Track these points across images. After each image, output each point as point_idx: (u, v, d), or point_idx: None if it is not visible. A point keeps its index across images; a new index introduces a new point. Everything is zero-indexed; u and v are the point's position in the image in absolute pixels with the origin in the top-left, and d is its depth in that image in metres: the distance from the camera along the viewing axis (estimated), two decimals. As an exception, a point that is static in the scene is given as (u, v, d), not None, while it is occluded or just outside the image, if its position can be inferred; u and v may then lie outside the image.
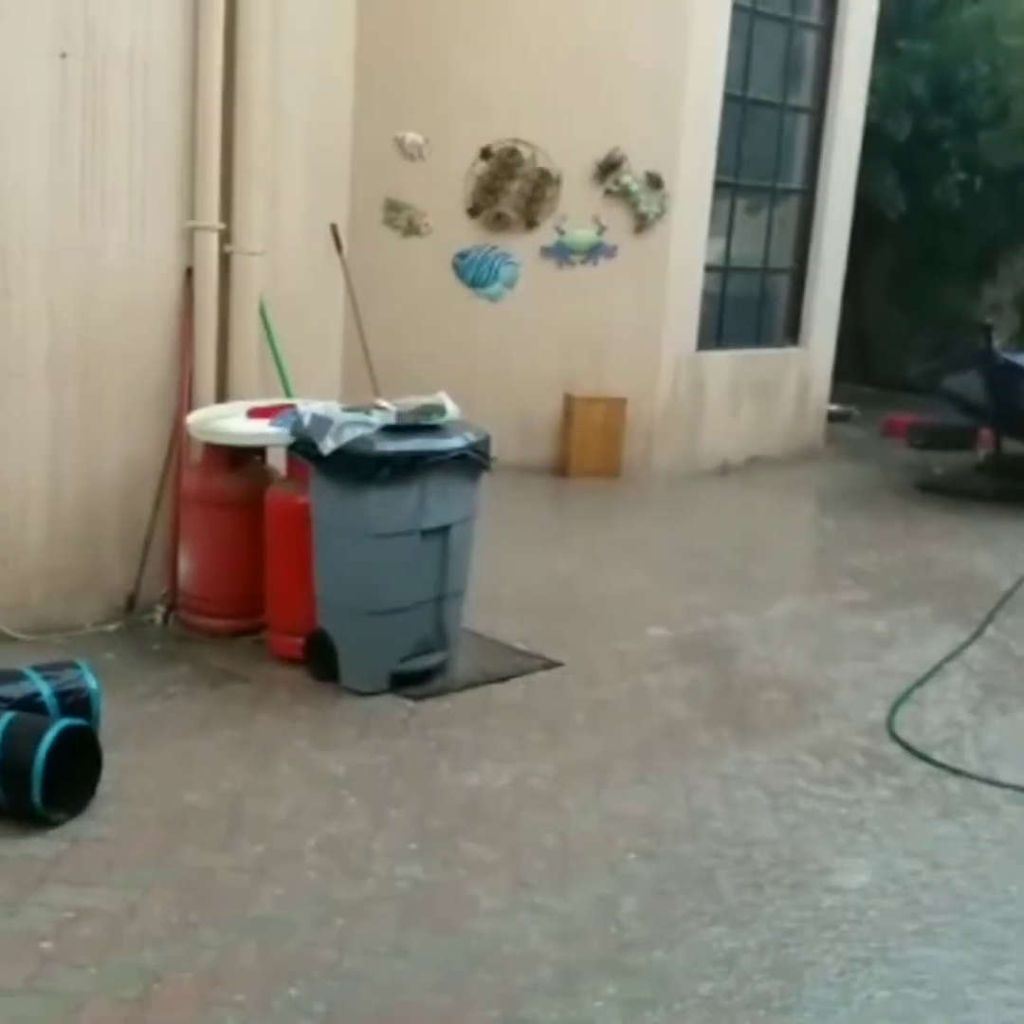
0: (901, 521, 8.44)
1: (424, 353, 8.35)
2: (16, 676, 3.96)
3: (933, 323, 12.98)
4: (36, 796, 3.51)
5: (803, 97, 10.25)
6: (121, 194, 5.10)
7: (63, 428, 5.10)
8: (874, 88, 10.83)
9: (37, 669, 4.01)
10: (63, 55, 4.86)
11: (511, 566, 6.39)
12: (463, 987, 3.01)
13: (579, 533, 7.87)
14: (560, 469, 9.11)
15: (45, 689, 3.90)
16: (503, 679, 5.01)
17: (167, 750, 4.17)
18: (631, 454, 9.15)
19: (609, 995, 3.01)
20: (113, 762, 3.81)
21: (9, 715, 3.67)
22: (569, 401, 9.08)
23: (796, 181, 10.39)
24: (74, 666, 4.07)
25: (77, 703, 3.92)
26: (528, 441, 8.88)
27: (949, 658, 5.58)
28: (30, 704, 3.84)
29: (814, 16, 10.07)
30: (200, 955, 3.06)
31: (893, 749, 4.59)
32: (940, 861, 3.78)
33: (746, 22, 9.38)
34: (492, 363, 8.80)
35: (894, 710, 4.93)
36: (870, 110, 10.78)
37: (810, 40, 10.15)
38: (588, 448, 9.03)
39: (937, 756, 4.52)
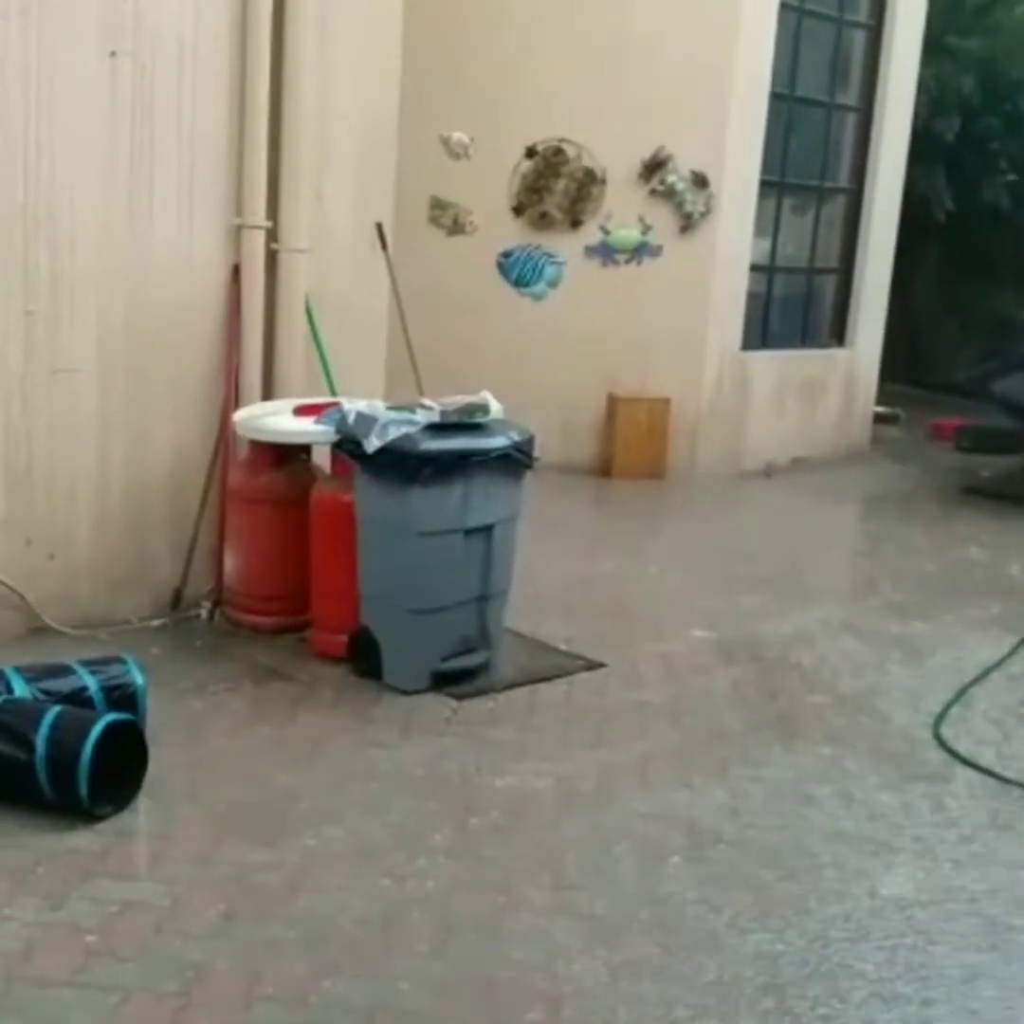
0: (947, 525, 8.36)
1: (468, 352, 8.34)
2: (64, 670, 4.00)
3: (981, 325, 12.84)
4: (83, 790, 3.54)
5: (851, 96, 10.17)
6: (169, 192, 5.13)
7: (111, 424, 5.14)
8: (922, 87, 10.72)
9: (84, 663, 4.05)
10: (112, 54, 4.90)
11: (554, 566, 6.37)
12: (503, 988, 3.01)
13: (622, 534, 7.84)
14: (603, 469, 9.08)
15: (92, 683, 3.94)
16: (546, 679, 5.00)
17: (211, 746, 4.19)
18: (675, 455, 9.11)
19: (650, 998, 3.00)
20: (158, 757, 3.83)
21: (57, 709, 3.70)
22: (612, 401, 9.05)
23: (843, 180, 10.31)
24: (121, 661, 4.10)
25: (123, 698, 3.95)
26: (571, 441, 8.86)
27: (996, 664, 5.51)
28: (77, 698, 3.87)
29: (862, 15, 9.99)
30: (242, 950, 3.07)
31: (939, 755, 4.54)
32: (986, 869, 3.73)
33: (794, 21, 9.31)
34: (535, 362, 8.78)
35: (940, 716, 4.88)
36: (918, 109, 10.66)
37: (858, 39, 10.07)
38: (631, 448, 9.00)
39: (983, 762, 4.47)
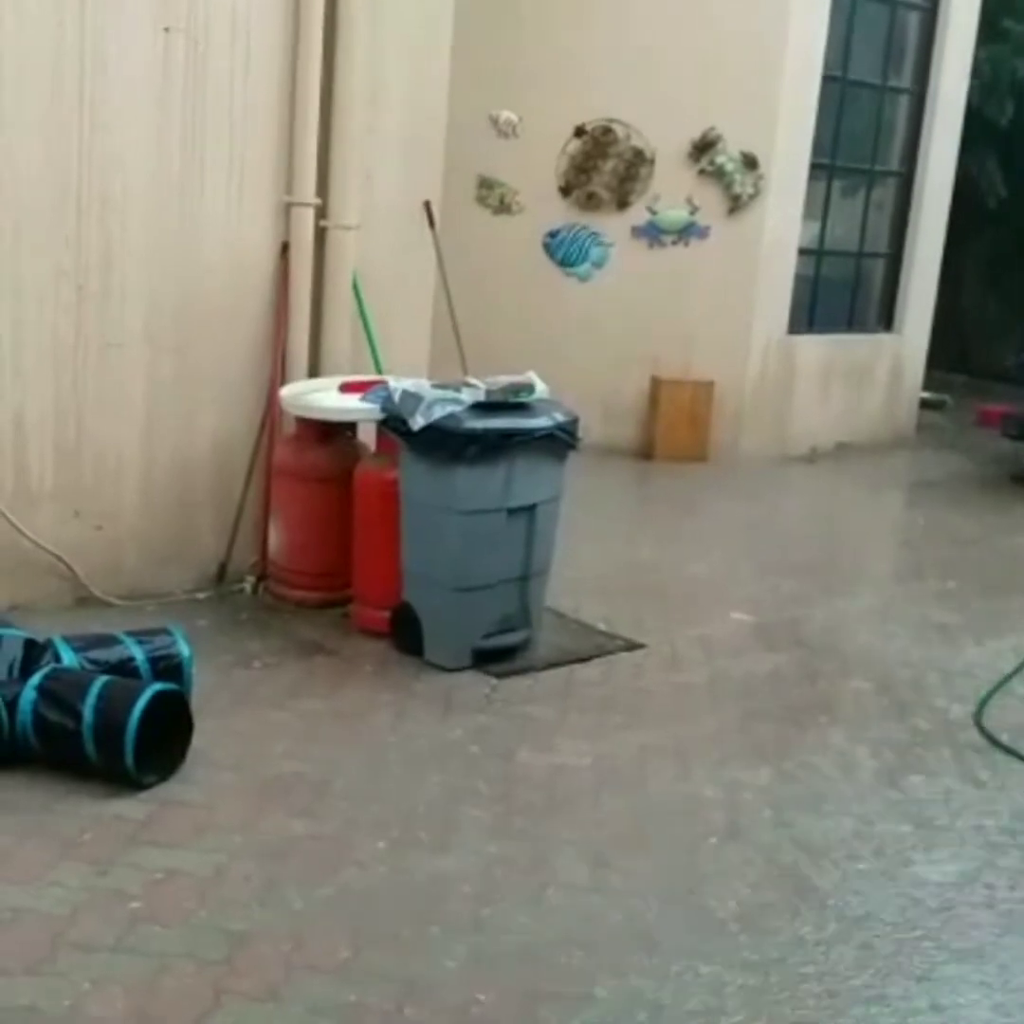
0: (992, 513, 8.29)
1: (513, 331, 8.36)
2: (111, 640, 4.05)
3: (1031, 312, 12.71)
4: (129, 758, 3.59)
5: (904, 79, 10.06)
6: (220, 168, 5.16)
7: (159, 398, 5.19)
8: (976, 71, 10.59)
9: (131, 634, 4.10)
10: (166, 29, 4.92)
11: (595, 547, 6.38)
12: (543, 963, 3.03)
13: (664, 516, 7.84)
14: (645, 452, 9.07)
15: (139, 654, 3.99)
16: (585, 659, 5.02)
17: (255, 718, 4.24)
18: (718, 438, 9.08)
19: (685, 979, 3.02)
20: (203, 728, 3.87)
21: (104, 679, 3.75)
22: (656, 383, 9.03)
23: (894, 164, 10.21)
24: (167, 632, 4.15)
25: (169, 668, 4.00)
26: (613, 422, 8.84)
27: (1039, 653, 5.48)
28: (124, 668, 3.92)
29: (917, -4, 9.89)
30: (284, 920, 3.11)
31: (980, 742, 4.53)
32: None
33: (848, 2, 9.22)
34: (579, 343, 8.77)
35: (982, 703, 4.86)
36: (971, 93, 10.55)
37: (912, 21, 9.95)
38: (674, 431, 8.98)
39: (1025, 751, 4.46)
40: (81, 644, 4.00)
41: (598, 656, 5.07)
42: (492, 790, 3.88)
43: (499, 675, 4.75)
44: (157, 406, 5.19)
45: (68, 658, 3.91)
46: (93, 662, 3.93)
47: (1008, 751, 4.45)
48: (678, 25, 8.57)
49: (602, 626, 5.39)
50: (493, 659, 4.82)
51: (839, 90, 9.40)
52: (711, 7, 8.59)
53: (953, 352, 12.72)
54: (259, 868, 3.33)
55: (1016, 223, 12.55)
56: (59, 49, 4.69)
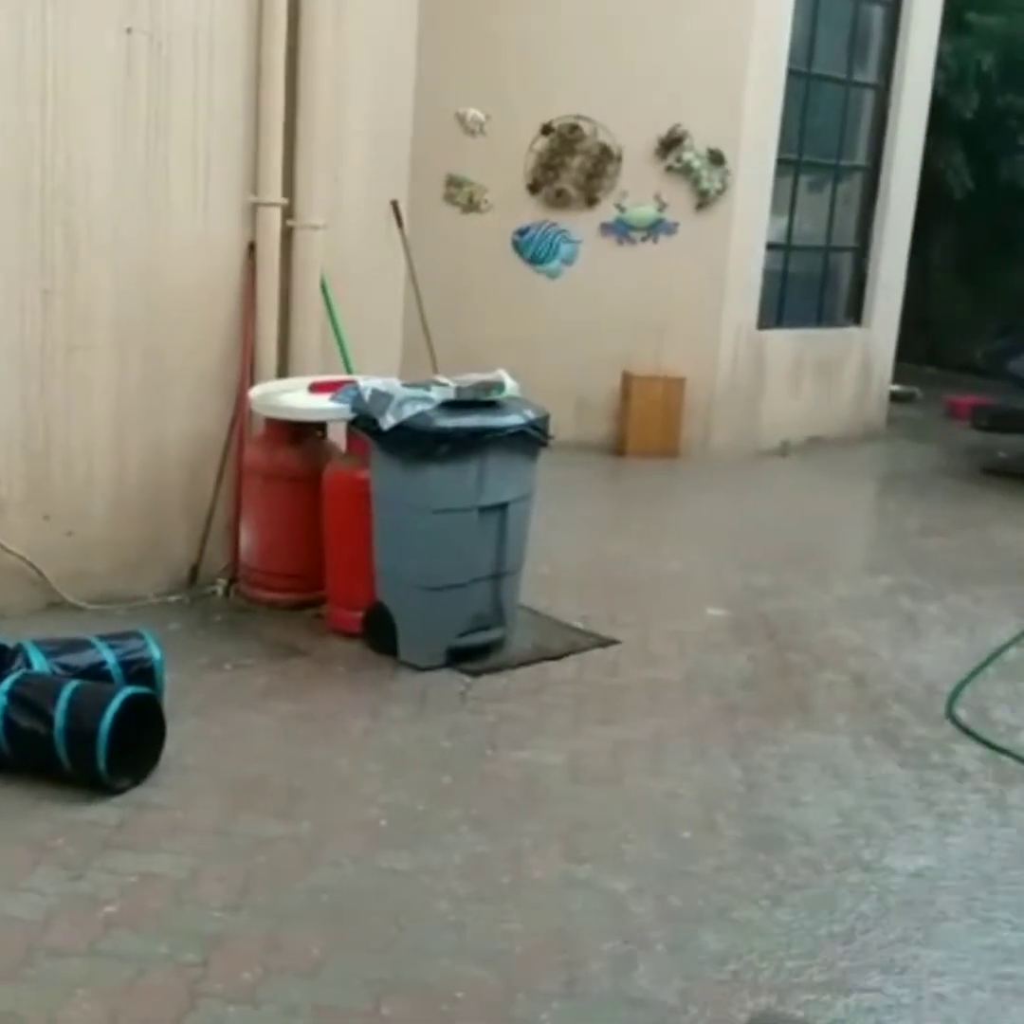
0: (963, 504, 8.34)
1: (483, 329, 8.35)
2: (82, 645, 4.03)
3: (998, 304, 12.76)
4: (101, 763, 3.57)
5: (869, 73, 10.10)
6: (185, 169, 5.14)
7: (128, 400, 5.16)
8: (941, 64, 10.66)
9: (102, 638, 4.08)
10: (128, 30, 4.89)
11: (568, 544, 6.39)
12: (518, 961, 3.03)
13: (637, 512, 7.85)
14: (617, 448, 9.08)
15: (110, 658, 3.97)
16: (559, 656, 5.02)
17: (228, 721, 4.22)
18: (690, 433, 9.10)
19: (663, 972, 3.02)
20: (175, 731, 3.86)
21: (75, 683, 3.73)
22: (627, 379, 9.05)
23: (860, 158, 10.26)
24: (138, 636, 4.13)
25: (141, 672, 3.99)
26: (585, 419, 8.85)
27: (1011, 643, 5.51)
28: (96, 672, 3.90)
29: (881, -9, 9.94)
30: (259, 922, 3.10)
31: (953, 733, 4.55)
32: (998, 846, 3.75)
33: (811, -3, 9.27)
34: (550, 340, 8.78)
35: (955, 694, 4.89)
36: (937, 86, 10.61)
37: (876, 15, 10.00)
38: (646, 427, 8.99)
39: (997, 741, 4.47)
40: (52, 649, 3.97)
41: (572, 653, 5.07)
42: (467, 788, 3.87)
43: (473, 673, 4.75)
44: (126, 408, 5.16)
45: (39, 663, 3.89)
46: (64, 667, 3.91)
47: (981, 741, 4.48)
48: (644, 22, 8.58)
49: (576, 623, 5.40)
50: (467, 658, 4.82)
51: (804, 85, 9.43)
52: (677, 4, 8.60)
53: (922, 345, 12.80)
54: (233, 870, 3.32)
55: (983, 215, 12.64)
56: (21, 49, 4.65)
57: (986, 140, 12.09)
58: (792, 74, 9.14)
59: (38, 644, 3.98)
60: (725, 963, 3.07)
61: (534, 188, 8.94)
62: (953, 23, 10.94)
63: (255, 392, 5.26)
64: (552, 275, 9.04)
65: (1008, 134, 12.17)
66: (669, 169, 8.88)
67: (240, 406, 5.38)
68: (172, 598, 5.32)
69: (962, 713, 4.71)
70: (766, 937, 3.19)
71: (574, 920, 3.22)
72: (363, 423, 4.75)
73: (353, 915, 3.16)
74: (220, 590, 5.41)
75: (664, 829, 3.71)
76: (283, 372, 5.52)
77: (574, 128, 8.82)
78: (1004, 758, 4.36)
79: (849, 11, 9.77)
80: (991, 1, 12.15)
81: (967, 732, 4.55)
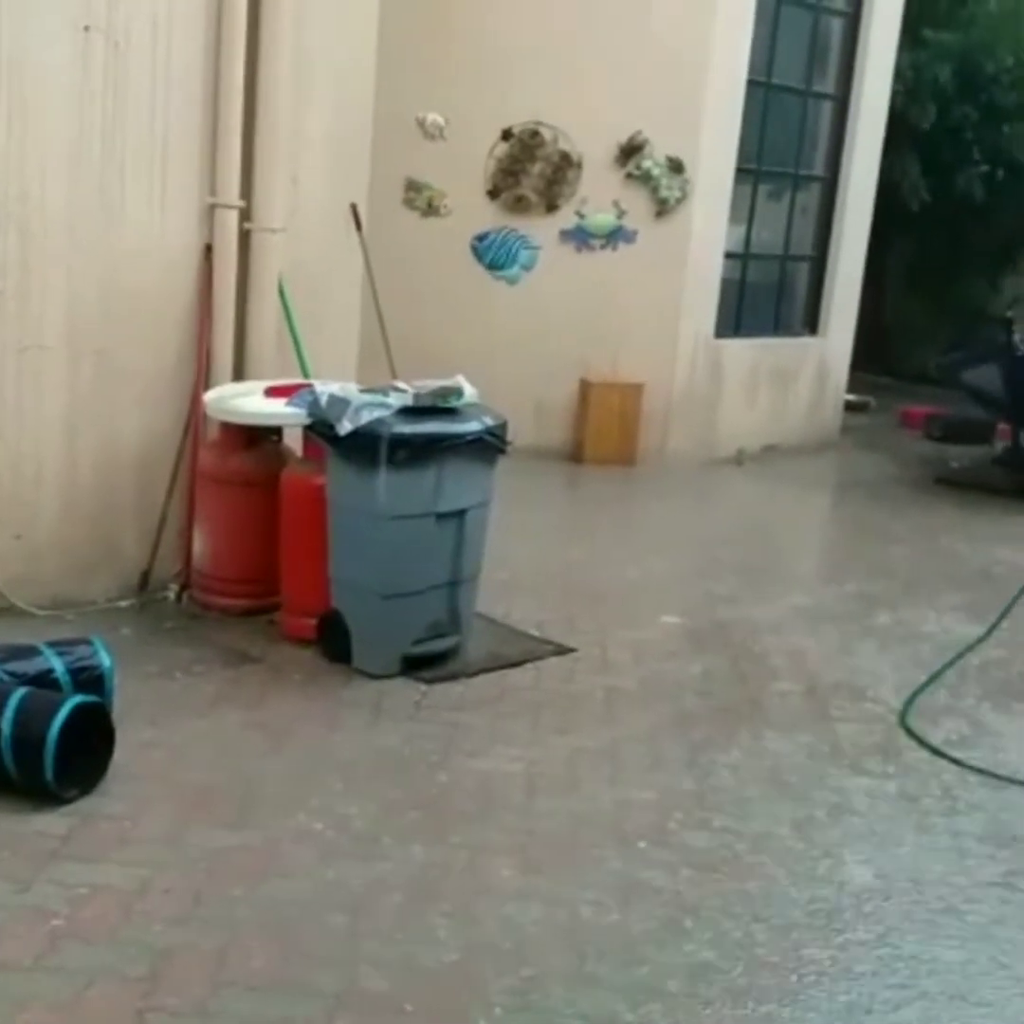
0: (917, 513, 8.40)
1: (441, 334, 8.32)
2: (30, 651, 3.96)
3: (953, 315, 12.90)
4: (49, 772, 3.51)
5: (827, 84, 10.17)
6: (141, 169, 5.08)
7: (80, 403, 5.09)
8: (899, 76, 10.74)
9: (51, 645, 4.01)
10: (86, 28, 4.83)
11: (525, 551, 6.37)
12: (473, 971, 3.01)
13: (594, 519, 7.85)
14: (575, 455, 9.07)
15: (59, 665, 3.90)
16: (516, 664, 5.00)
17: (179, 729, 4.16)
18: (647, 441, 9.11)
19: (616, 984, 3.01)
20: (125, 740, 3.80)
21: (22, 691, 3.67)
22: (585, 386, 9.04)
23: (818, 168, 10.32)
24: (88, 643, 4.07)
25: (90, 680, 3.92)
26: (543, 425, 8.84)
27: (965, 652, 5.54)
28: (44, 680, 3.83)
29: (840, 2, 9.99)
30: (210, 934, 3.06)
31: (907, 743, 4.57)
32: (950, 857, 3.76)
33: (772, 7, 9.29)
34: (509, 346, 8.76)
35: (908, 703, 4.91)
36: (895, 98, 10.70)
37: (836, 26, 10.07)
38: (604, 434, 8.99)
39: (951, 751, 4.49)
40: (0, 656, 3.91)
41: (529, 661, 5.05)
42: (423, 797, 3.84)
43: (429, 681, 4.72)
44: (78, 411, 5.09)
45: (-14, 670, 3.82)
46: (11, 674, 3.83)
47: (934, 751, 4.50)
48: (604, 29, 8.58)
49: (533, 631, 5.38)
50: (423, 666, 4.79)
51: (764, 95, 9.47)
52: (638, 11, 8.61)
53: (877, 354, 12.90)
54: (184, 881, 3.27)
55: (939, 226, 12.74)
56: (-26, 47, 4.60)
57: (942, 152, 12.20)
58: (752, 84, 9.18)
59: (-14, 650, 3.91)
60: (684, 977, 3.06)
61: (494, 194, 8.92)
62: (911, 37, 11.03)
63: (210, 395, 5.21)
64: (511, 281, 9.03)
65: (964, 146, 12.29)
66: (629, 177, 8.89)
67: (194, 409, 5.32)
68: (123, 603, 5.25)
69: (916, 722, 4.73)
70: (721, 950, 3.18)
71: (528, 932, 3.19)
72: (320, 428, 4.71)
73: (306, 927, 3.13)
74: (172, 595, 5.35)
75: (620, 839, 3.70)
76: (239, 375, 5.47)
77: (534, 134, 8.81)
78: (957, 767, 4.37)
79: (809, 23, 9.83)
80: (947, 17, 12.28)
81: (921, 741, 4.56)
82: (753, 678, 5.12)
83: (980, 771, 4.36)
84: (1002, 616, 5.98)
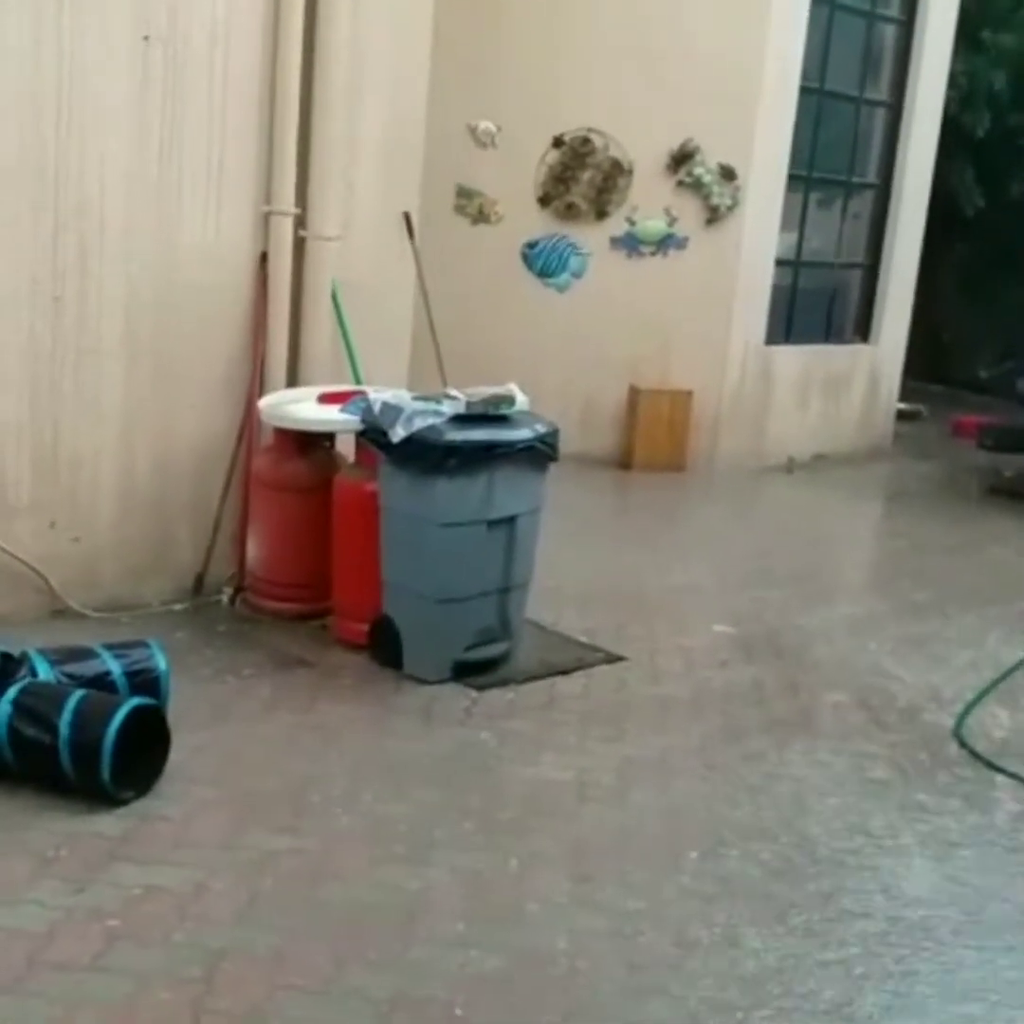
0: (969, 523, 8.33)
1: (492, 342, 8.34)
2: (87, 653, 4.01)
3: (1007, 323, 12.76)
4: (105, 774, 3.55)
5: (881, 90, 10.11)
6: (199, 177, 5.13)
7: (136, 407, 5.15)
8: (954, 82, 10.65)
9: (108, 647, 4.06)
10: (145, 38, 4.89)
11: (575, 558, 6.37)
12: (525, 978, 3.01)
13: (642, 527, 7.83)
14: (624, 461, 9.06)
15: (115, 668, 3.95)
16: (565, 672, 5.00)
17: (233, 732, 4.20)
18: (696, 448, 9.09)
19: (671, 992, 3.00)
20: (180, 742, 3.84)
21: (80, 693, 3.71)
22: (634, 392, 9.03)
23: (871, 175, 10.26)
24: (145, 645, 4.11)
25: (146, 682, 3.96)
26: (592, 432, 8.84)
27: (1019, 665, 5.47)
28: (101, 682, 3.88)
29: (894, 9, 9.92)
30: (264, 937, 3.08)
31: (960, 755, 4.53)
32: (1007, 871, 3.73)
33: (825, 15, 9.27)
34: (558, 352, 8.77)
35: (962, 716, 4.86)
36: (949, 104, 10.60)
37: (889, 33, 10.00)
38: (653, 440, 8.97)
39: (1005, 764, 4.45)
40: (57, 658, 3.96)
41: (579, 668, 5.05)
42: (473, 804, 3.85)
43: (479, 688, 4.72)
44: (134, 416, 5.15)
45: (44, 672, 3.87)
46: (69, 676, 3.89)
47: (988, 764, 4.45)
48: (656, 36, 8.58)
49: (583, 638, 5.38)
50: (473, 672, 4.80)
51: (816, 102, 9.43)
52: (689, 18, 8.60)
53: (929, 362, 12.78)
54: (239, 884, 3.30)
55: (993, 233, 12.63)
56: (37, 56, 4.65)
57: (997, 159, 12.10)
58: (804, 91, 9.14)
59: (43, 653, 3.96)
60: (736, 988, 3.05)
61: (544, 201, 8.93)
62: (966, 42, 10.93)
63: (264, 401, 5.25)
64: (561, 288, 9.03)
65: (1018, 153, 12.17)
66: (680, 184, 8.87)
67: (249, 415, 5.36)
68: (177, 606, 5.30)
69: (969, 734, 4.69)
70: (772, 963, 3.17)
71: (579, 940, 3.19)
72: (372, 435, 4.73)
73: (360, 931, 3.14)
74: (225, 599, 5.40)
75: (670, 849, 3.69)
76: (293, 382, 5.51)
77: (585, 141, 8.81)
78: (1012, 781, 4.33)
79: (862, 29, 9.78)
80: (1004, 20, 12.16)
81: (974, 754, 4.52)
82: (804, 688, 5.09)
83: (1035, 785, 4.32)
84: (1057, 628, 5.92)
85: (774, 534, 7.80)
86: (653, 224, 8.95)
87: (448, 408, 4.65)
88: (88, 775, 3.57)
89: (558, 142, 8.82)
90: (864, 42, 9.85)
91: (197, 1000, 2.82)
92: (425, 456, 4.56)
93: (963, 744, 4.61)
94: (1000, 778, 4.36)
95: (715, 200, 8.89)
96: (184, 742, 3.88)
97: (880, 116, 10.17)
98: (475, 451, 4.60)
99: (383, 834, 3.62)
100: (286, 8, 5.17)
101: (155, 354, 5.14)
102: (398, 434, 4.58)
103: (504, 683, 4.80)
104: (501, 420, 4.76)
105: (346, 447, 5.22)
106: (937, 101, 10.29)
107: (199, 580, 5.40)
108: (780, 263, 9.49)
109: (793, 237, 9.78)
